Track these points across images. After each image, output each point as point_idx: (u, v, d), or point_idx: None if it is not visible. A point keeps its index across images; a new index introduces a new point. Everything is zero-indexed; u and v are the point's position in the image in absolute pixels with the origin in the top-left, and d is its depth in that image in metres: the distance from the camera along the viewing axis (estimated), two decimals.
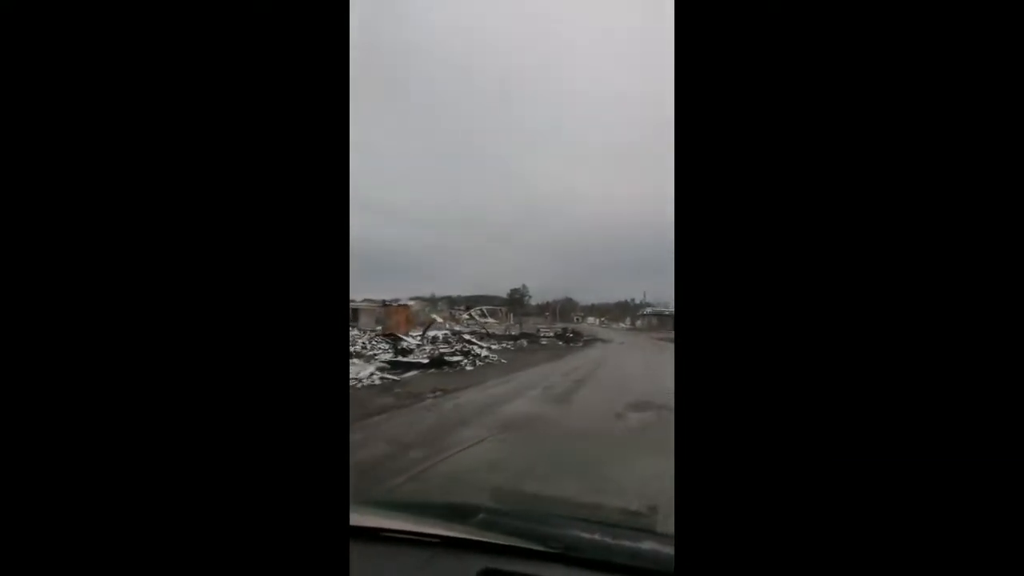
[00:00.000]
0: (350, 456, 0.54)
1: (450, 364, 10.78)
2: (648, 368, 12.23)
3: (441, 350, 12.76)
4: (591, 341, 23.18)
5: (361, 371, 8.90)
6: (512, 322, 33.81)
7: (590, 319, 59.75)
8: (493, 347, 16.40)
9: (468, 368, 10.88)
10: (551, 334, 23.80)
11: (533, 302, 59.81)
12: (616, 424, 5.68)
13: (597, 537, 1.03)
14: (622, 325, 52.04)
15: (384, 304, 21.84)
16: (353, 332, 16.09)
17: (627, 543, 1.03)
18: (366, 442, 4.45)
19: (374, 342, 13.76)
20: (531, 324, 34.83)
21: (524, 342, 19.67)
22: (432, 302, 41.53)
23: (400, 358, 11.02)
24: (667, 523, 0.85)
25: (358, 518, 0.92)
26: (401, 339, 14.50)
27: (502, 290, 57.88)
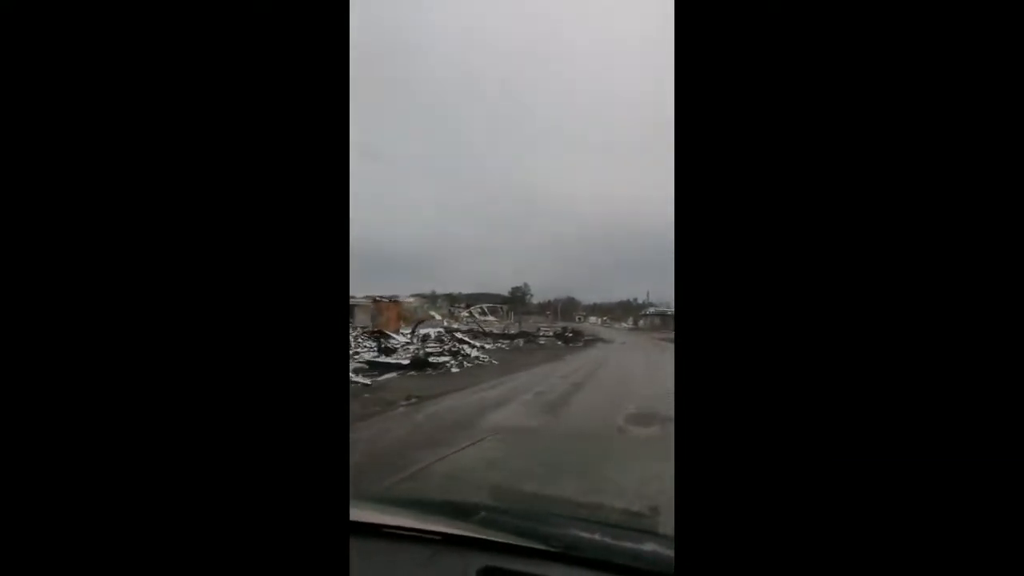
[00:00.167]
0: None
1: (434, 365, 9.77)
2: (651, 371, 11.20)
3: (428, 349, 11.77)
4: (592, 341, 22.11)
5: None
6: (512, 321, 32.81)
7: (592, 318, 58.87)
8: (487, 346, 15.40)
9: (454, 370, 9.88)
10: (551, 333, 22.77)
11: (535, 301, 59.15)
12: (616, 442, 4.65)
13: (597, 537, 1.03)
14: (624, 325, 51.15)
15: (375, 300, 20.85)
16: None
17: (628, 544, 1.03)
18: None
19: (359, 340, 12.78)
20: (532, 323, 33.97)
21: (521, 341, 18.64)
22: (432, 299, 40.63)
23: (381, 358, 10.02)
24: (668, 525, 0.91)
25: (360, 514, 0.91)
26: (390, 337, 13.53)
27: (504, 288, 57.30)
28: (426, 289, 45.53)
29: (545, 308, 55.35)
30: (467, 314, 38.06)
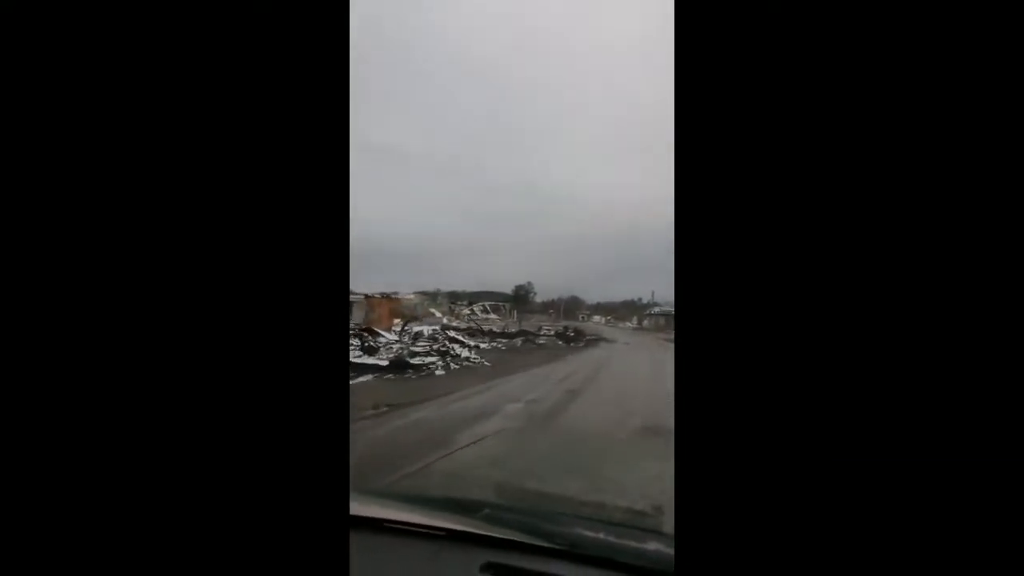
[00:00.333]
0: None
1: (416, 367, 8.73)
2: (657, 374, 10.14)
3: (415, 348, 10.75)
4: (594, 341, 21.01)
5: None
6: (513, 319, 31.80)
7: (596, 317, 57.91)
8: (482, 346, 14.37)
9: (439, 372, 8.84)
10: (552, 332, 21.69)
11: (538, 299, 58.29)
12: (616, 471, 3.60)
13: (601, 535, 1.03)
14: (628, 325, 50.14)
15: (366, 296, 19.84)
16: None
17: (631, 542, 1.02)
18: None
19: None
20: (534, 322, 32.98)
21: (519, 341, 17.56)
22: (432, 296, 39.71)
23: (362, 358, 9.00)
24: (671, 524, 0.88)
25: (364, 509, 0.91)
26: (378, 335, 12.53)
27: (508, 287, 56.43)
28: (430, 286, 44.89)
29: (549, 307, 54.49)
30: (469, 312, 37.24)
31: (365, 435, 4.51)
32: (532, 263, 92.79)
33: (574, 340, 19.76)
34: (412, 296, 36.40)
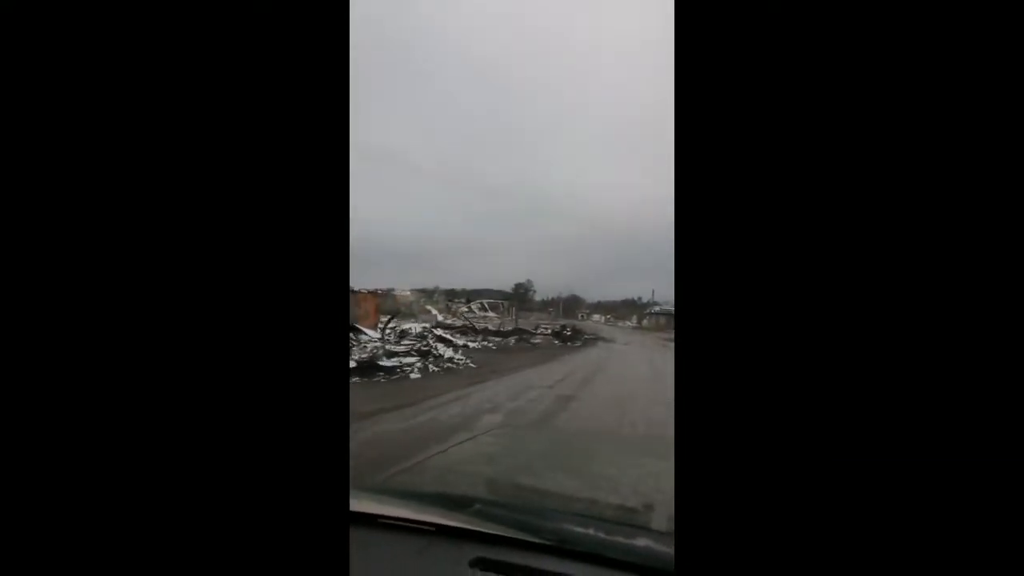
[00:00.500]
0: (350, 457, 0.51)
1: (387, 369, 7.65)
2: (658, 376, 9.09)
3: (395, 348, 9.70)
4: (592, 340, 19.91)
5: None
6: (510, 317, 30.76)
7: (595, 316, 56.92)
8: (472, 345, 13.32)
9: (414, 376, 7.78)
10: (548, 331, 20.61)
11: (538, 298, 57.40)
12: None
13: (591, 532, 0.99)
14: (628, 324, 49.18)
15: (352, 292, 18.79)
16: None
17: (621, 539, 0.98)
18: None
19: None
20: (533, 320, 31.98)
21: (512, 340, 16.48)
22: (429, 293, 38.78)
23: None
24: (661, 521, 0.98)
25: (354, 503, 0.85)
26: (362, 332, 11.50)
27: (508, 285, 55.54)
28: (431, 285, 44.04)
29: (548, 305, 53.61)
30: (466, 309, 36.32)
31: None
32: (533, 262, 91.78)
33: (571, 339, 18.66)
34: (408, 293, 35.50)
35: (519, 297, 52.28)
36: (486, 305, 40.86)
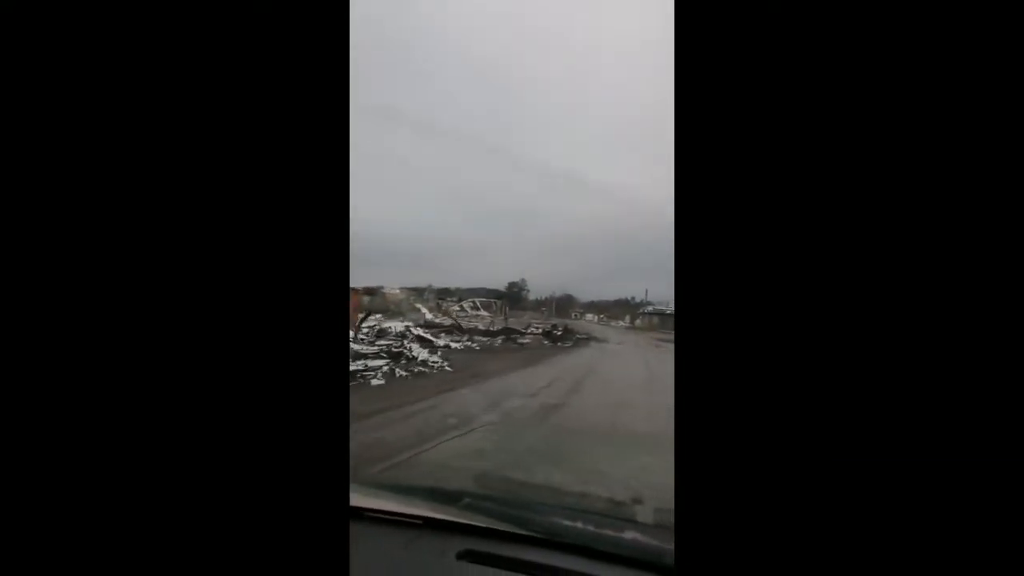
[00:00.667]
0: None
1: None
2: (654, 379, 8.09)
3: (364, 349, 8.63)
4: (584, 340, 18.86)
5: None
6: (499, 316, 29.72)
7: (589, 316, 55.97)
8: (455, 345, 12.26)
9: (376, 382, 6.70)
10: (539, 331, 19.57)
11: (532, 297, 56.56)
12: None
13: (579, 524, 0.99)
14: (621, 323, 48.29)
15: None
16: None
17: (609, 531, 0.99)
18: None
19: None
20: (526, 319, 30.96)
21: (499, 340, 15.42)
22: (420, 292, 37.66)
23: None
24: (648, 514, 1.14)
25: None
26: None
27: (502, 284, 54.61)
28: (424, 283, 43.07)
29: (542, 305, 52.73)
30: (458, 308, 35.31)
31: None
32: (528, 262, 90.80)
33: (562, 339, 17.62)
34: (398, 291, 34.39)
35: (513, 296, 51.31)
36: (478, 304, 39.82)
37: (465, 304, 38.21)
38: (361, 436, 4.05)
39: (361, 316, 12.71)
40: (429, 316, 22.69)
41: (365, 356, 7.96)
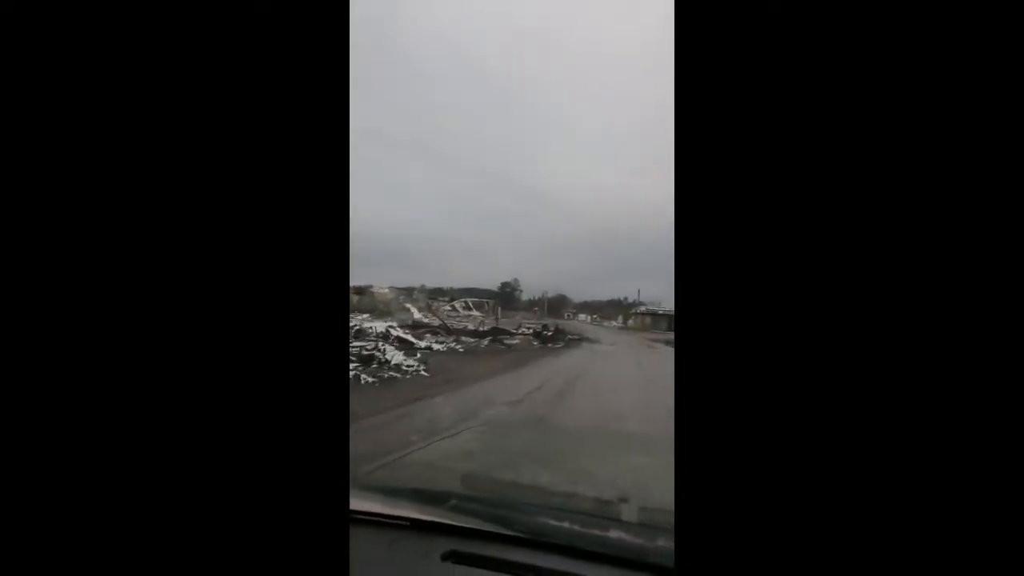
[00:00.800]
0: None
1: None
2: (649, 384, 7.32)
3: None
4: (575, 341, 18.05)
5: None
6: (489, 316, 28.92)
7: (582, 316, 55.36)
8: (436, 347, 11.44)
9: None
10: (529, 331, 18.77)
11: (525, 297, 55.90)
12: None
13: (565, 524, 0.98)
14: (614, 323, 47.69)
15: None
16: None
17: (595, 531, 0.97)
18: None
19: None
20: (518, 319, 30.19)
21: (485, 341, 14.59)
22: (409, 291, 36.80)
23: None
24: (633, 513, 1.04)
25: None
26: None
27: (495, 283, 53.91)
28: (416, 282, 42.27)
29: (534, 304, 52.03)
30: (449, 308, 34.53)
31: None
32: (522, 262, 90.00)
33: (552, 340, 16.82)
34: (387, 291, 33.51)
35: (505, 296, 50.59)
36: (470, 304, 39.05)
37: (457, 304, 37.42)
38: None
39: None
40: (418, 316, 21.95)
41: None
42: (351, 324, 11.73)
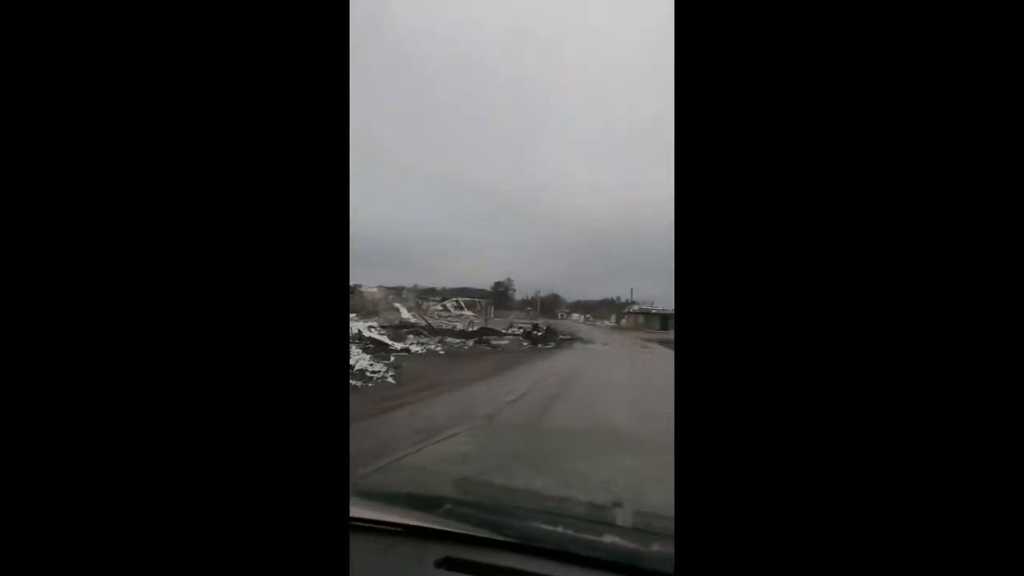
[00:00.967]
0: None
1: None
2: (645, 388, 6.33)
3: None
4: (567, 341, 17.03)
5: None
6: (481, 316, 27.90)
7: (575, 315, 54.51)
8: (415, 349, 10.40)
9: None
10: (519, 332, 17.74)
11: (519, 296, 55.00)
12: None
13: (559, 529, 0.96)
14: (607, 323, 46.88)
15: None
16: None
17: (588, 536, 0.96)
18: None
19: None
20: (511, 319, 29.19)
21: (470, 342, 13.54)
22: (397, 291, 35.73)
23: None
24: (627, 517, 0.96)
25: None
26: None
27: (489, 283, 52.91)
28: (409, 282, 41.20)
29: (527, 304, 51.11)
30: (440, 308, 33.52)
31: None
32: (517, 262, 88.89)
33: (543, 340, 15.80)
34: (375, 290, 32.42)
35: (498, 296, 49.59)
36: (462, 303, 37.99)
37: (448, 303, 36.37)
38: None
39: None
40: (406, 316, 20.93)
41: None
42: None
